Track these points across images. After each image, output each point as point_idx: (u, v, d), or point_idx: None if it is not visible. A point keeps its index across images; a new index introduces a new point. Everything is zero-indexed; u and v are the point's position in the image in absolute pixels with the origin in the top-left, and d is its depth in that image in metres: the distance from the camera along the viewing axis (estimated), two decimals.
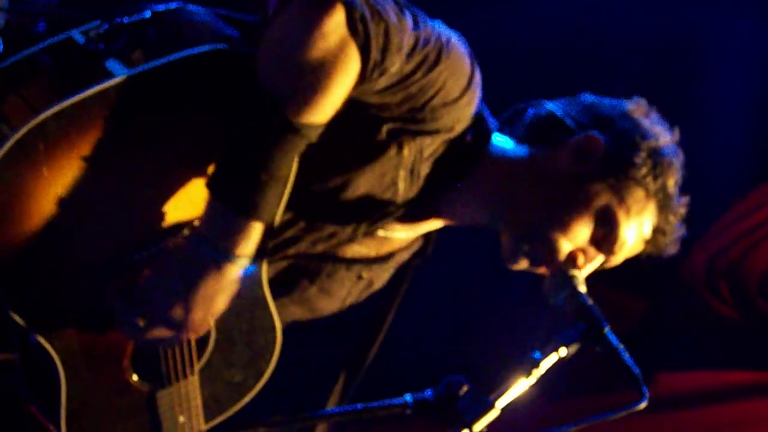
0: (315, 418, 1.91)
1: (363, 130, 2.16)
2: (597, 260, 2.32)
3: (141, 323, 2.03)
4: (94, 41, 2.02)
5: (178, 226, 2.06)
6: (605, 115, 2.33)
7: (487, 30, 2.40)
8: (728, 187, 4.08)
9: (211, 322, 2.08)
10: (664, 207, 2.31)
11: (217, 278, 1.98)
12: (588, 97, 2.39)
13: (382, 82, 2.03)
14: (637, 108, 2.34)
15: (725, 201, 4.29)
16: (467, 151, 2.28)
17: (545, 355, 2.02)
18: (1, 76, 2.01)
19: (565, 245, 2.27)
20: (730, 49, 4.09)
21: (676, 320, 4.50)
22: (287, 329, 2.51)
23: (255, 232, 1.97)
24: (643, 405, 2.01)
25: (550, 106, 2.38)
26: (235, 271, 2.00)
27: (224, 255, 1.97)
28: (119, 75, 1.95)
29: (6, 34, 2.22)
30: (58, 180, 1.93)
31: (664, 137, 2.33)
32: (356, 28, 1.90)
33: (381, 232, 2.37)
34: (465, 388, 1.94)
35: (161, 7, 2.11)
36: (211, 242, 1.97)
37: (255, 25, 2.12)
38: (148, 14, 2.07)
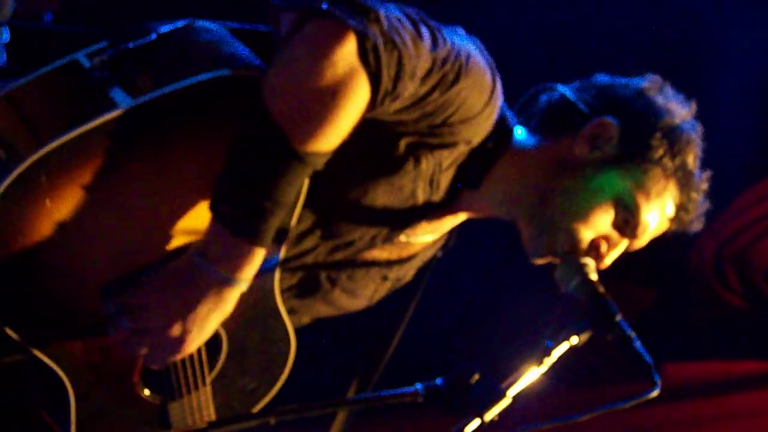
0: (326, 406, 1.90)
1: (380, 144, 2.14)
2: (621, 245, 2.30)
3: (135, 337, 2.01)
4: (99, 68, 1.99)
5: (182, 249, 2.03)
6: (619, 97, 2.30)
7: (491, 24, 2.38)
8: (737, 175, 4.06)
9: (201, 344, 2.06)
10: (685, 185, 2.29)
11: (216, 300, 1.97)
12: (601, 78, 2.36)
13: (395, 106, 2.01)
14: (651, 86, 2.31)
15: (734, 190, 4.28)
16: (489, 158, 2.26)
17: (557, 343, 2.02)
18: (8, 99, 1.99)
19: (587, 234, 2.25)
20: (739, 35, 4.08)
21: (684, 310, 4.49)
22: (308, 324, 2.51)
23: (257, 257, 1.96)
24: (655, 393, 2.00)
25: (563, 89, 2.35)
26: (234, 294, 1.99)
27: (225, 278, 1.96)
28: (123, 105, 1.92)
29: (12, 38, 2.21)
30: (61, 209, 1.91)
31: (680, 113, 2.29)
32: (367, 58, 1.87)
33: (403, 238, 2.36)
34: (476, 377, 1.93)
35: (167, 28, 2.07)
36: (212, 263, 1.95)
37: (267, 35, 2.10)
38: (153, 37, 2.04)
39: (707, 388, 4.56)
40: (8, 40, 2.15)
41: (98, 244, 1.97)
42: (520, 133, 2.32)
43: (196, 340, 2.01)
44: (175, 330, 1.98)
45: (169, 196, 1.99)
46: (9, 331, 1.96)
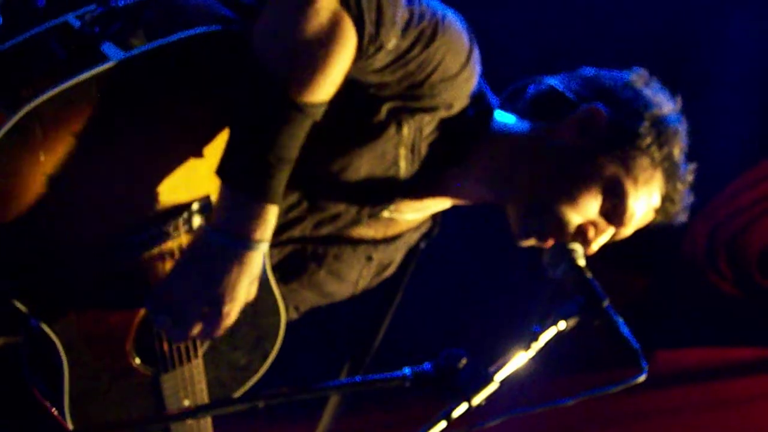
0: (315, 390, 1.90)
1: (362, 110, 2.16)
2: (608, 232, 2.31)
3: (169, 323, 2.04)
4: (89, 25, 2.01)
5: (176, 208, 2.05)
6: (607, 87, 2.32)
7: (486, 17, 2.39)
8: (729, 162, 4.07)
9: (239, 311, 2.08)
10: (671, 175, 2.31)
11: (241, 267, 1.98)
12: (588, 71, 2.38)
13: (380, 59, 2.02)
14: (638, 78, 2.33)
15: (726, 176, 4.29)
16: (469, 127, 2.27)
17: (544, 328, 2.01)
18: (2, 59, 2.01)
19: (575, 218, 2.27)
20: (735, 19, 4.09)
21: (676, 297, 4.50)
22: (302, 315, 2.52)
23: (271, 215, 1.97)
24: (642, 378, 2.00)
25: (551, 81, 2.37)
26: (258, 256, 2.00)
27: (245, 242, 1.97)
28: (115, 58, 1.94)
29: (5, 9, 2.20)
30: (54, 163, 1.92)
31: (667, 106, 2.32)
32: (348, 2, 1.90)
33: (386, 213, 2.36)
34: (464, 361, 1.93)
35: None
36: (228, 233, 1.97)
37: (251, 6, 2.11)
38: None
39: (699, 374, 4.57)
40: (1, 20, 2.16)
41: (92, 200, 1.98)
42: (506, 117, 2.34)
43: (233, 311, 2.04)
44: (207, 309, 2.01)
45: (163, 150, 2.01)
46: (18, 304, 1.97)
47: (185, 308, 2.02)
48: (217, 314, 2.02)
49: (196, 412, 1.93)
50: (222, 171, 1.96)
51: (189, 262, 2.02)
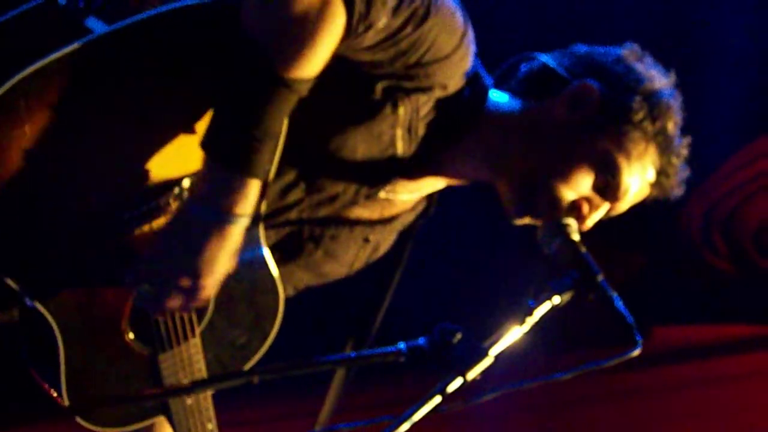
0: (310, 365, 1.91)
1: (357, 89, 2.15)
2: (602, 208, 2.31)
3: (152, 293, 2.03)
4: (74, 0, 2.00)
5: (167, 183, 2.05)
6: (598, 63, 2.31)
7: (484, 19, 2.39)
8: (725, 139, 4.08)
9: (218, 285, 2.07)
10: (665, 149, 2.30)
11: (220, 240, 1.98)
12: (580, 47, 2.38)
13: (370, 37, 2.01)
14: (630, 53, 2.33)
15: (722, 153, 4.29)
16: (465, 107, 2.27)
17: (539, 302, 2.01)
18: None
19: (568, 194, 2.26)
20: (728, 6, 4.09)
21: (672, 274, 4.51)
22: (299, 293, 2.52)
23: (253, 190, 1.96)
24: (636, 352, 2.00)
25: (543, 58, 2.37)
26: (237, 231, 1.99)
27: (224, 216, 1.96)
28: (99, 32, 1.93)
29: None
30: (40, 137, 1.91)
31: (660, 80, 2.31)
32: None
33: (383, 194, 2.36)
34: (459, 336, 1.93)
35: None
36: (209, 204, 1.96)
37: None
38: None
39: (695, 351, 4.59)
40: None
41: (80, 176, 1.98)
42: (499, 96, 2.34)
43: (211, 283, 2.02)
44: (186, 280, 2.00)
45: (151, 127, 2.00)
46: (10, 282, 1.97)
47: (164, 279, 2.01)
48: (195, 286, 2.01)
49: (192, 387, 1.94)
50: (205, 144, 1.96)
51: (169, 233, 2.01)
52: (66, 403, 2.12)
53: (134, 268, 2.04)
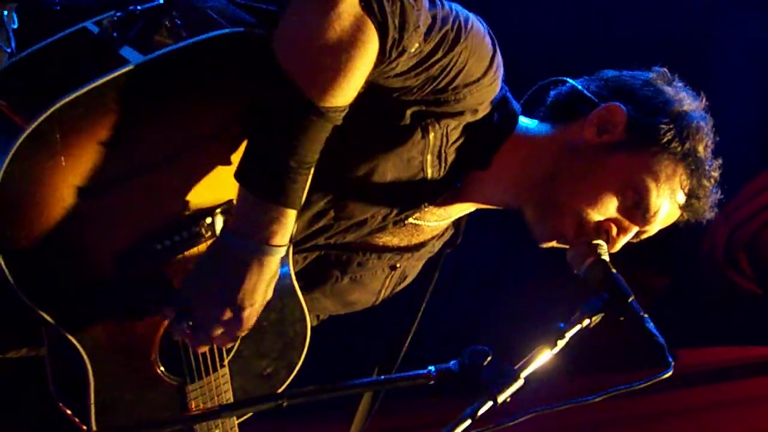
0: (339, 389, 1.90)
1: (387, 115, 2.15)
2: (631, 231, 2.29)
3: (190, 328, 2.03)
4: (108, 30, 1.99)
5: (200, 213, 2.03)
6: (626, 86, 2.31)
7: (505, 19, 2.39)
8: (748, 160, 4.05)
9: (258, 315, 2.07)
10: (695, 171, 2.28)
11: (260, 271, 1.97)
12: (609, 72, 2.37)
13: (403, 63, 2.01)
14: (659, 76, 2.32)
15: (745, 175, 4.27)
16: (494, 132, 2.27)
17: (570, 325, 2.01)
18: (17, 68, 1.99)
19: (595, 216, 2.25)
20: (751, 14, 4.08)
21: (697, 296, 4.49)
22: (321, 323, 2.51)
23: (290, 220, 1.96)
24: (668, 374, 1.99)
25: (572, 81, 2.36)
26: (275, 261, 1.98)
27: (262, 247, 1.95)
28: (134, 61, 1.92)
29: (21, 13, 2.21)
30: (76, 169, 1.90)
31: (689, 103, 2.30)
32: (372, 7, 1.88)
33: (412, 220, 2.36)
34: (489, 359, 1.93)
35: None
36: (247, 236, 1.95)
37: (270, 11, 2.10)
38: (161, 1, 2.04)
39: (721, 373, 4.55)
40: (17, 25, 2.16)
41: (115, 207, 1.97)
42: (528, 121, 2.34)
43: (252, 314, 2.03)
44: (227, 314, 2.00)
45: (185, 157, 1.99)
46: (44, 314, 1.96)
47: (205, 313, 2.01)
48: (238, 319, 2.01)
49: (220, 411, 1.92)
50: (241, 174, 1.95)
51: (207, 266, 2.01)
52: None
53: (173, 302, 2.03)
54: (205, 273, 2.00)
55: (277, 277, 2.02)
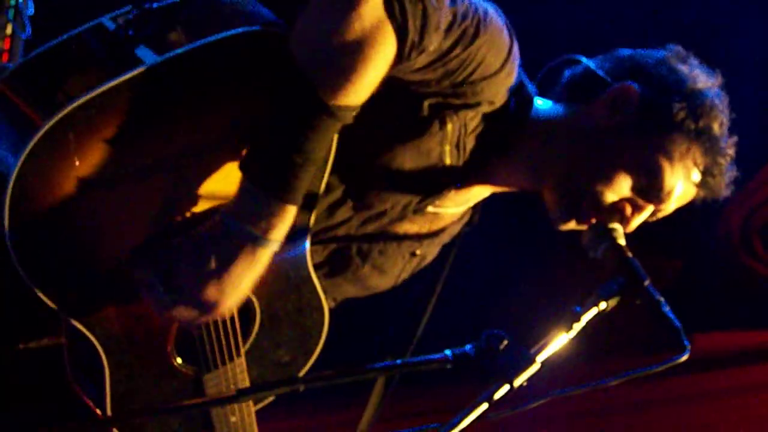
0: (355, 373, 1.90)
1: (405, 107, 2.15)
2: (647, 210, 2.29)
3: (168, 298, 2.00)
4: (124, 28, 1.98)
5: (212, 212, 2.02)
6: (640, 65, 2.31)
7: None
8: (763, 145, 4.04)
9: (236, 306, 2.06)
10: (709, 149, 2.28)
11: (250, 261, 1.96)
12: (623, 51, 2.37)
13: (421, 60, 2.00)
14: (673, 55, 2.32)
15: (760, 159, 4.26)
16: (511, 119, 2.27)
17: (585, 308, 2.00)
18: (34, 64, 1.99)
19: (609, 196, 2.25)
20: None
21: (711, 280, 4.48)
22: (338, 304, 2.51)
23: (288, 215, 1.95)
24: (684, 357, 1.99)
25: (585, 61, 2.36)
26: (267, 254, 1.97)
27: (259, 238, 1.94)
28: (149, 62, 1.91)
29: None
30: (89, 169, 1.90)
31: (704, 80, 2.29)
32: (393, 10, 1.86)
33: (431, 209, 2.36)
34: (505, 343, 1.93)
35: None
36: (246, 222, 1.94)
37: (290, 4, 2.10)
38: None
39: (736, 357, 4.55)
40: (33, 12, 2.15)
41: (128, 205, 1.97)
42: (543, 103, 2.34)
43: (230, 302, 2.00)
44: (210, 292, 1.97)
45: (197, 154, 1.98)
46: (44, 298, 1.96)
47: (187, 283, 1.97)
48: (214, 303, 1.98)
49: (237, 396, 1.92)
50: (245, 166, 1.94)
51: (201, 239, 1.97)
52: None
53: (158, 259, 2.00)
54: (197, 245, 1.97)
55: (262, 273, 1.99)
